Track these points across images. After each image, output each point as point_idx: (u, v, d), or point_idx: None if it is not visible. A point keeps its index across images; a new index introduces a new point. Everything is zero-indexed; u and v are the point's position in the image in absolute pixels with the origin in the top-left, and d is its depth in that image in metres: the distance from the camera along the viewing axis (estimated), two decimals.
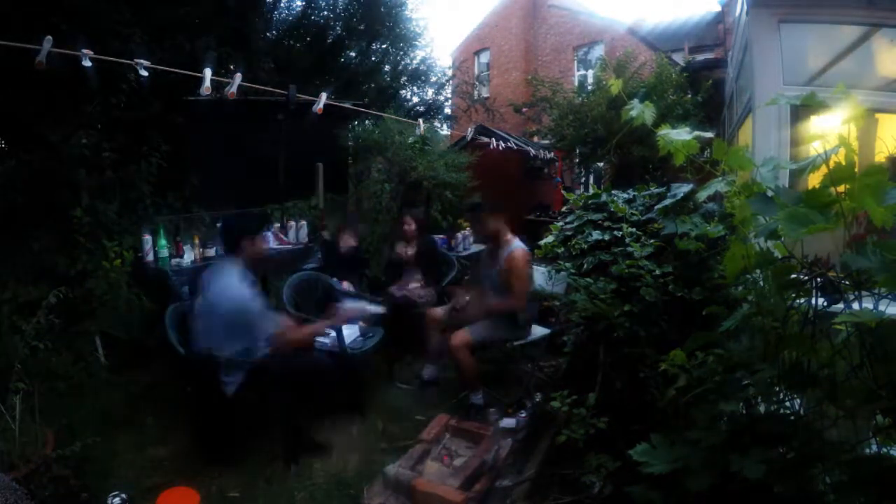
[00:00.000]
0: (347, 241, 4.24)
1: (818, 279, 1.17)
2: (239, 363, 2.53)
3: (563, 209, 3.14)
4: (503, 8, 16.04)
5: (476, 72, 16.09)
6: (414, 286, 4.21)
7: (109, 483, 2.37)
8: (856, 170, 1.08)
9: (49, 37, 2.95)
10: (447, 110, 11.81)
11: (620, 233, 2.47)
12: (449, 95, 11.61)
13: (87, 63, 3.11)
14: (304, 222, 4.51)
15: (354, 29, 8.96)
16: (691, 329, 1.59)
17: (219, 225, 3.76)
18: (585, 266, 2.48)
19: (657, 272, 2.20)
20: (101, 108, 4.42)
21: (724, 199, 2.05)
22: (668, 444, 1.40)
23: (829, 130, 1.17)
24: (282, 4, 8.54)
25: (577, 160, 9.41)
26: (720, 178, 1.36)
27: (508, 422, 2.95)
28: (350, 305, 3.30)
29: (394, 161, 5.91)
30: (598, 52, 13.23)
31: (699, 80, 7.95)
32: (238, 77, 3.78)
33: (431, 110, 10.91)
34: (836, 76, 2.59)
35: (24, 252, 3.89)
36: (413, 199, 5.63)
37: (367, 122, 6.99)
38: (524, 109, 11.33)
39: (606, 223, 2.62)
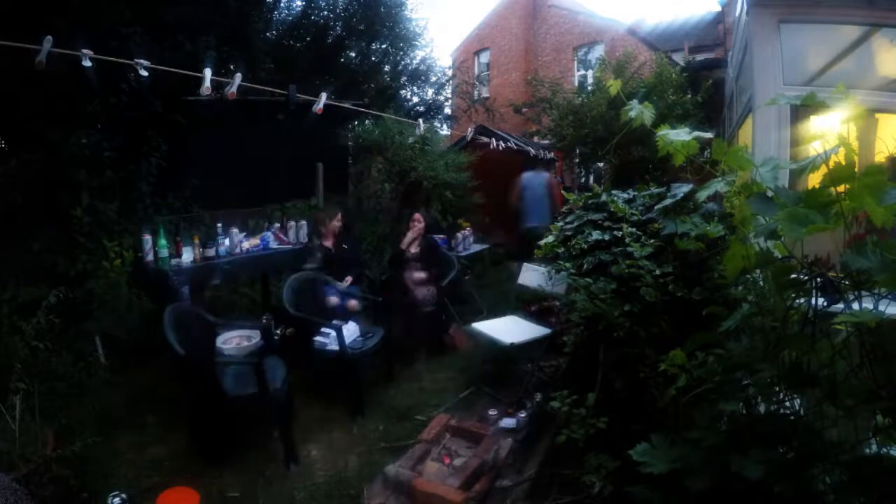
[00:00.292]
0: (332, 226, 4.16)
1: (818, 279, 1.17)
2: None
3: (563, 209, 3.13)
4: (503, 8, 16.04)
5: (476, 72, 16.08)
6: (418, 276, 4.22)
7: (109, 483, 2.37)
8: (856, 170, 1.08)
9: (49, 37, 2.95)
10: (447, 110, 11.81)
11: (620, 233, 2.47)
12: (449, 95, 11.61)
13: (87, 63, 3.11)
14: (304, 222, 4.51)
15: (354, 29, 8.96)
16: (691, 329, 1.59)
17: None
18: (585, 266, 2.48)
19: (657, 272, 2.20)
20: (101, 108, 4.42)
21: (723, 199, 2.05)
22: (668, 444, 1.40)
23: (828, 130, 1.17)
24: (282, 4, 8.55)
25: (577, 160, 9.40)
26: (720, 178, 1.36)
27: (508, 422, 2.95)
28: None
29: (394, 161, 5.92)
30: (598, 52, 13.21)
31: (699, 80, 7.93)
32: (238, 77, 3.78)
33: (431, 110, 10.91)
34: (836, 76, 2.59)
35: (24, 252, 3.90)
36: (413, 199, 5.64)
37: (367, 122, 7.00)
38: (524, 109, 11.32)
39: (606, 223, 2.62)
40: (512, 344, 3.39)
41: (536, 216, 5.82)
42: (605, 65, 9.27)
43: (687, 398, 1.52)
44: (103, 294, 3.79)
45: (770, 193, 1.19)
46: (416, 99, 10.96)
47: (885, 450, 1.12)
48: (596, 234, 2.56)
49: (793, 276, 1.22)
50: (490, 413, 3.08)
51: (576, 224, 2.73)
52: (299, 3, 8.75)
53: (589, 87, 10.00)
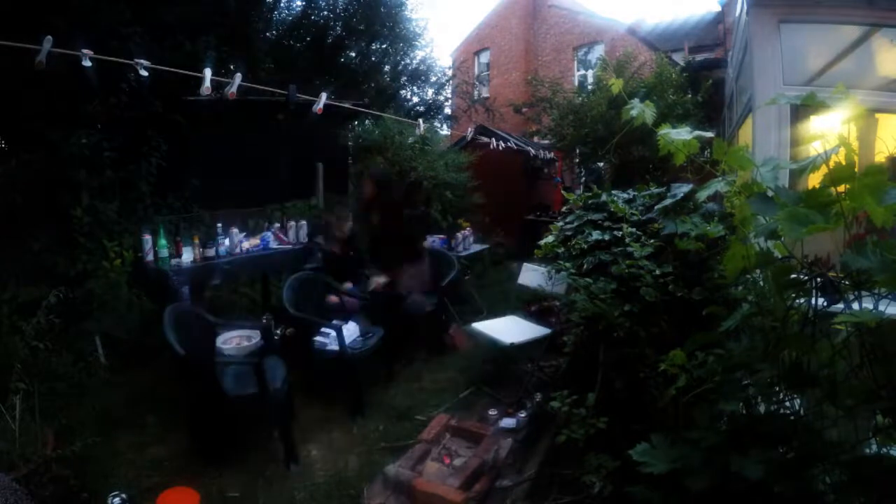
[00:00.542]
0: (343, 231, 4.15)
1: (818, 279, 1.17)
2: None
3: (563, 209, 3.13)
4: (503, 8, 16.03)
5: (476, 72, 16.08)
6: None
7: (109, 483, 2.37)
8: (856, 170, 1.08)
9: (49, 37, 2.94)
10: (447, 110, 11.82)
11: (620, 233, 2.47)
12: (449, 95, 11.62)
13: (87, 63, 3.11)
14: (304, 222, 4.51)
15: (354, 29, 8.96)
16: (691, 329, 1.59)
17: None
18: (585, 266, 2.48)
19: (657, 272, 2.20)
20: (101, 108, 4.42)
21: (724, 199, 2.05)
22: (668, 444, 1.40)
23: (829, 130, 1.17)
24: (282, 4, 8.55)
25: (577, 160, 9.40)
26: (720, 178, 1.36)
27: (508, 422, 2.95)
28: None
29: (394, 161, 5.92)
30: (598, 52, 13.21)
31: (699, 80, 7.93)
32: (238, 77, 3.78)
33: (431, 110, 10.92)
34: (836, 76, 2.58)
35: (24, 252, 3.89)
36: (413, 199, 5.63)
37: (367, 122, 7.00)
38: (524, 109, 11.31)
39: (606, 223, 2.62)
40: (512, 344, 3.39)
41: None
42: (605, 65, 9.27)
43: (687, 398, 1.51)
44: (103, 294, 3.79)
45: (770, 193, 1.19)
46: (416, 99, 10.99)
47: (885, 450, 1.12)
48: (596, 234, 2.56)
49: (793, 276, 1.22)
50: (490, 413, 3.08)
51: (576, 224, 2.73)
52: (299, 3, 8.77)
53: (589, 87, 10.00)
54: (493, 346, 3.52)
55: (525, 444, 2.79)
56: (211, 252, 3.60)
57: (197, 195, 4.92)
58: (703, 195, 1.41)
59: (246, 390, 2.61)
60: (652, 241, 2.32)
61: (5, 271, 3.71)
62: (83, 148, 4.12)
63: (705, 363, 1.52)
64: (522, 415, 2.99)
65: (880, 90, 2.50)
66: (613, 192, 2.80)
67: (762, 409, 1.37)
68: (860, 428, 1.14)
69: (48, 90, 4.12)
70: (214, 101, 4.15)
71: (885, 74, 2.61)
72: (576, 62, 14.73)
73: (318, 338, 3.32)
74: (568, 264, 2.52)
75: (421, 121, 6.28)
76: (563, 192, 6.44)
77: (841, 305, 1.14)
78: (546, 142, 9.65)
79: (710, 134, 1.44)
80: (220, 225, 3.79)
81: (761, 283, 1.42)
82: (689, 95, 7.64)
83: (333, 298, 3.75)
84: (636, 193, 2.75)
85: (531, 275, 3.86)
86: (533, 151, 9.11)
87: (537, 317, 3.86)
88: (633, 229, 2.44)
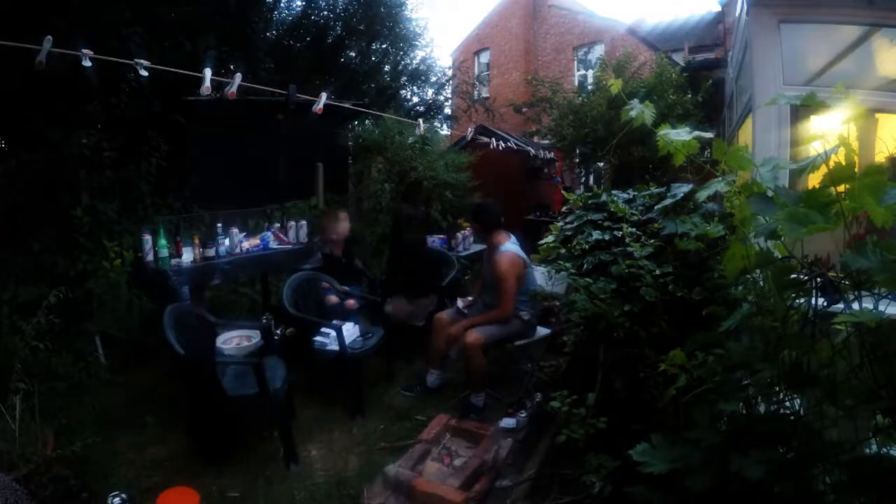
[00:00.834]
0: (341, 233, 4.15)
1: (818, 279, 1.17)
2: None
3: (563, 209, 3.13)
4: (503, 8, 16.04)
5: (476, 72, 16.08)
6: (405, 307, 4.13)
7: (109, 483, 2.37)
8: (856, 170, 1.08)
9: (49, 37, 2.94)
10: (447, 110, 11.81)
11: (620, 233, 2.47)
12: (449, 95, 11.61)
13: (87, 63, 3.10)
14: (303, 222, 4.51)
15: (354, 29, 8.96)
16: (691, 329, 1.59)
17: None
18: (585, 266, 2.48)
19: (657, 272, 2.20)
20: (101, 108, 4.42)
21: (723, 199, 2.05)
22: (668, 444, 1.39)
23: (829, 130, 1.17)
24: (282, 4, 8.55)
25: (577, 160, 9.41)
26: (720, 178, 1.36)
27: (508, 422, 2.96)
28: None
29: (394, 161, 5.92)
30: (598, 52, 13.23)
31: (699, 80, 7.94)
32: (238, 77, 3.78)
33: (431, 110, 10.91)
34: (836, 76, 2.58)
35: (24, 252, 3.90)
36: (413, 199, 5.64)
37: (367, 122, 7.00)
38: (524, 109, 11.33)
39: (606, 223, 2.62)
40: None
41: None
42: (605, 65, 9.28)
43: (687, 398, 1.51)
44: (103, 294, 3.79)
45: (770, 193, 1.19)
46: (416, 99, 10.97)
47: (885, 450, 1.12)
48: (596, 234, 2.56)
49: (793, 276, 1.22)
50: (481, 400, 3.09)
51: (576, 224, 2.73)
52: (299, 3, 8.76)
53: (589, 87, 10.01)
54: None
55: (525, 444, 2.79)
56: (211, 252, 3.59)
57: (197, 195, 4.92)
58: (703, 195, 1.41)
59: (246, 390, 2.61)
60: (652, 241, 2.32)
61: (5, 271, 3.71)
62: (83, 148, 4.12)
63: (705, 363, 1.52)
64: (522, 415, 2.99)
65: (880, 90, 2.49)
66: (613, 192, 2.80)
67: (762, 409, 1.37)
68: (860, 428, 1.14)
69: (48, 90, 4.12)
70: (214, 100, 4.15)
71: (885, 74, 2.61)
72: (576, 62, 14.74)
73: (318, 338, 3.32)
74: (568, 264, 2.52)
75: (421, 121, 6.27)
76: (563, 192, 6.44)
77: (841, 305, 1.13)
78: (546, 142, 9.66)
79: (709, 134, 1.44)
80: (220, 225, 3.79)
81: (761, 283, 1.42)
82: (689, 95, 7.65)
83: (333, 298, 3.75)
84: (636, 193, 2.75)
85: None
86: (533, 151, 9.11)
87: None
88: (633, 229, 2.44)
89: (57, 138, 4.06)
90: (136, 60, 3.37)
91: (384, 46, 9.70)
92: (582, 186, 10.42)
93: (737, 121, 3.78)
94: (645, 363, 2.00)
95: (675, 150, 1.39)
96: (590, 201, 2.81)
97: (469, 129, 7.73)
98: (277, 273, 4.36)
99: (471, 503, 2.29)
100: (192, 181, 4.87)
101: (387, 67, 10.00)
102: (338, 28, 8.93)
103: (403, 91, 10.61)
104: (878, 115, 2.61)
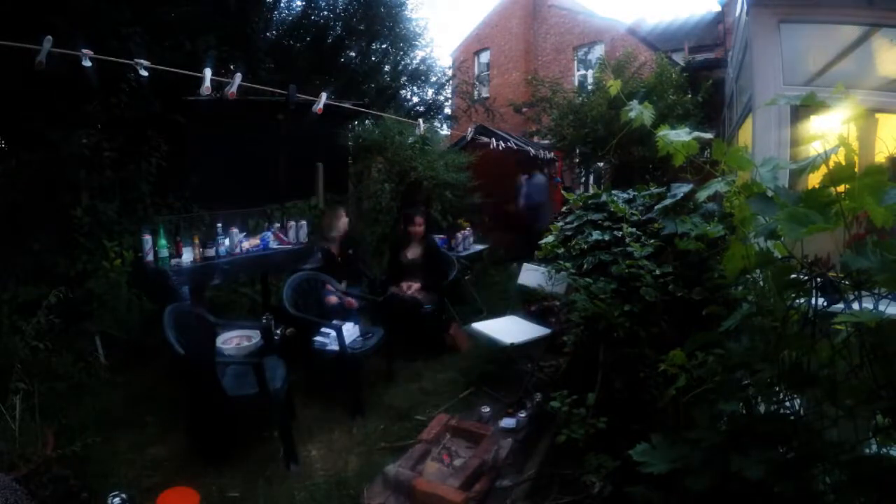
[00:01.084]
0: (339, 225, 4.15)
1: (818, 279, 1.17)
2: None
3: (563, 209, 3.13)
4: (503, 8, 16.04)
5: (476, 72, 16.09)
6: (416, 288, 4.20)
7: (109, 483, 2.37)
8: (856, 170, 1.08)
9: (49, 37, 2.94)
10: (447, 110, 11.81)
11: (620, 233, 2.47)
12: (449, 95, 11.61)
13: (87, 63, 3.10)
14: (303, 222, 4.51)
15: (354, 29, 8.96)
16: (691, 329, 1.59)
17: None
18: (585, 266, 2.48)
19: (657, 272, 2.20)
20: (101, 108, 4.43)
21: (723, 199, 2.05)
22: (668, 444, 1.39)
23: (829, 130, 1.17)
24: (282, 4, 8.56)
25: (577, 160, 9.40)
26: (720, 178, 1.36)
27: (508, 422, 2.96)
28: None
29: (394, 161, 5.91)
30: (598, 52, 13.23)
31: (699, 80, 7.94)
32: (238, 77, 3.78)
33: (431, 110, 10.91)
34: (836, 76, 2.58)
35: (24, 252, 3.90)
36: (413, 199, 5.64)
37: (367, 122, 7.00)
38: (524, 109, 11.32)
39: (606, 223, 2.62)
40: (512, 344, 3.39)
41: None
42: (605, 65, 9.28)
43: (687, 398, 1.51)
44: (103, 294, 3.79)
45: (770, 193, 1.19)
46: (416, 99, 10.98)
47: (885, 450, 1.12)
48: (596, 234, 2.56)
49: (793, 276, 1.22)
50: (483, 410, 3.08)
51: (576, 224, 2.74)
52: (299, 3, 8.77)
53: (589, 87, 10.01)
54: (493, 346, 3.52)
55: (525, 444, 2.79)
56: (211, 252, 3.59)
57: (197, 195, 4.92)
58: (703, 195, 1.41)
59: (246, 390, 2.61)
60: (652, 241, 2.32)
61: (5, 271, 3.71)
62: (83, 148, 4.12)
63: (705, 363, 1.52)
64: (522, 415, 2.99)
65: (880, 90, 2.50)
66: (613, 192, 2.80)
67: (762, 409, 1.37)
68: (860, 428, 1.14)
69: (48, 90, 4.13)
70: (214, 100, 4.16)
71: (885, 74, 2.61)
72: (576, 62, 14.74)
73: (318, 338, 3.32)
74: (568, 264, 2.52)
75: (421, 121, 6.27)
76: (563, 192, 6.44)
77: (841, 305, 1.13)
78: (546, 142, 9.65)
79: (709, 135, 1.44)
80: (220, 225, 3.79)
81: (761, 283, 1.42)
82: (689, 95, 7.65)
83: (333, 299, 3.75)
84: (636, 193, 2.75)
85: (531, 275, 3.86)
86: (533, 151, 9.10)
87: (537, 317, 3.86)
88: (633, 229, 2.44)
89: (57, 138, 4.06)
90: (136, 60, 3.37)
91: (384, 46, 9.71)
92: (582, 186, 10.43)
93: (737, 121, 3.78)
94: (645, 363, 2.00)
95: (675, 151, 1.39)
96: (590, 201, 2.81)
97: (469, 129, 7.73)
98: (277, 273, 4.36)
99: (471, 503, 2.29)
100: (192, 181, 4.87)
101: (387, 67, 10.01)
102: (338, 28, 8.94)
103: (403, 91, 10.62)
104: (878, 115, 2.61)
